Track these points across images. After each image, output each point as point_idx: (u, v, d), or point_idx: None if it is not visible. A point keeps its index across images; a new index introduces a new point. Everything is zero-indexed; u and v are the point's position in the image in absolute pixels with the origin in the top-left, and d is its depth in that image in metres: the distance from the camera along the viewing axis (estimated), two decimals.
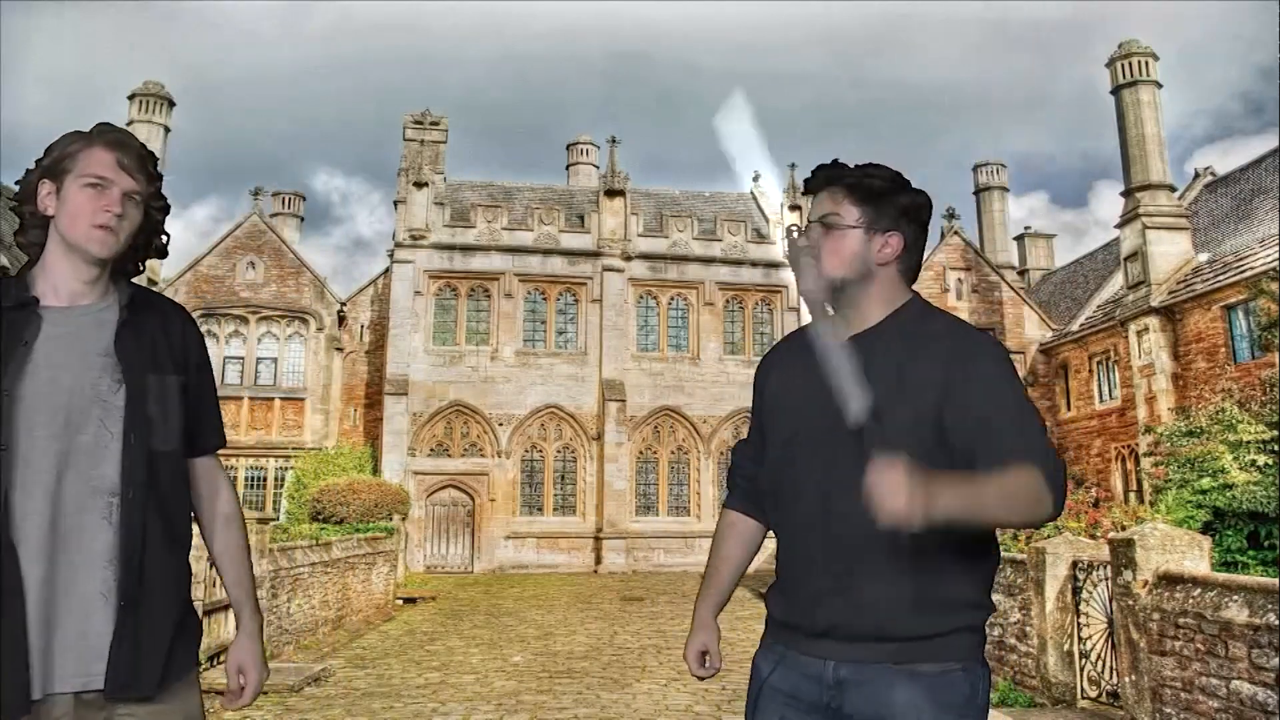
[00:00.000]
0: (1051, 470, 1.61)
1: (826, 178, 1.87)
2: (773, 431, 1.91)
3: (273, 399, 27.20)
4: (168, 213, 1.95)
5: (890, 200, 1.83)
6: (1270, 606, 4.85)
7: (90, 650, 1.70)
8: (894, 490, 1.47)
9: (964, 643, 1.72)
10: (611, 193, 27.58)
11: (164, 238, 1.97)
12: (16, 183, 1.87)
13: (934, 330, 1.78)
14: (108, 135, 1.85)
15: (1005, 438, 1.63)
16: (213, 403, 2.00)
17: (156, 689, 1.75)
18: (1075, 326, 27.14)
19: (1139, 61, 23.39)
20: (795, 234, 1.86)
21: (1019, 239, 38.76)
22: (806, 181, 1.92)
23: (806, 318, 26.91)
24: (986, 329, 27.58)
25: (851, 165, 1.89)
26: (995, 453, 1.61)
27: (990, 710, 7.62)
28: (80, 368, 1.76)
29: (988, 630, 7.98)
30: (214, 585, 8.99)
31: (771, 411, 1.92)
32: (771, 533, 1.97)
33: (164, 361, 1.86)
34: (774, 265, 27.85)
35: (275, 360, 27.50)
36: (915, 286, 1.94)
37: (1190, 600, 5.57)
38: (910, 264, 1.87)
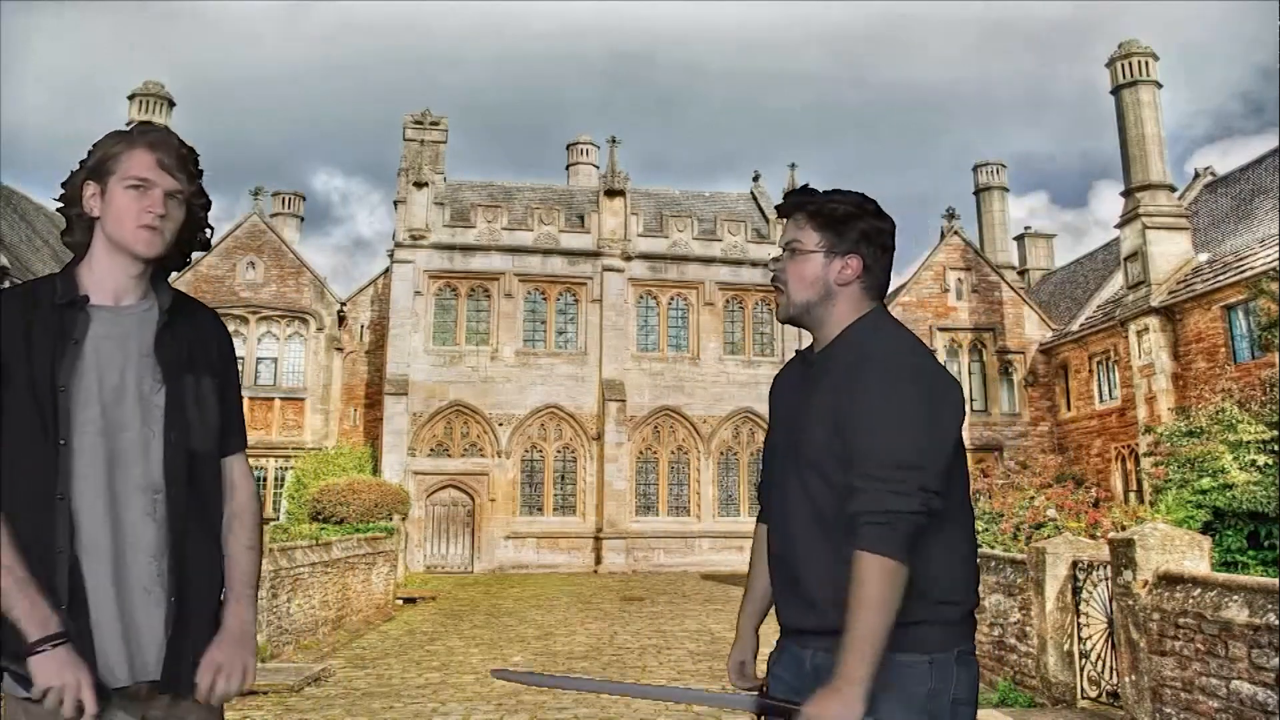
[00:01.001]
0: (883, 556, 1.65)
1: (793, 204, 1.97)
2: (767, 446, 2.07)
3: (273, 399, 27.21)
4: (209, 209, 2.00)
5: (850, 224, 1.91)
6: (1270, 606, 4.85)
7: (136, 644, 1.75)
8: None
9: (929, 635, 1.74)
10: (611, 193, 27.59)
11: (208, 232, 2.02)
12: (63, 184, 1.89)
13: (850, 347, 1.88)
14: (149, 136, 1.88)
15: (854, 461, 1.73)
16: (238, 404, 2.02)
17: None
18: (1075, 326, 27.14)
19: (1139, 61, 23.39)
20: (772, 261, 2.01)
21: (1019, 239, 38.76)
22: (778, 208, 2.04)
23: None
24: (986, 329, 27.72)
25: (820, 191, 1.97)
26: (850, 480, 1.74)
27: (990, 710, 7.61)
28: (125, 367, 1.81)
29: (988, 630, 7.93)
30: None
31: (770, 428, 2.08)
32: None
33: (200, 364, 1.90)
34: None
35: (275, 360, 27.51)
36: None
37: (1190, 600, 5.57)
38: (873, 283, 1.94)
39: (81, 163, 1.88)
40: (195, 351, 1.90)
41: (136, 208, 1.83)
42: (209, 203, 1.99)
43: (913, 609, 1.71)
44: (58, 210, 1.92)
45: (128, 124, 1.98)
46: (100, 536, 1.73)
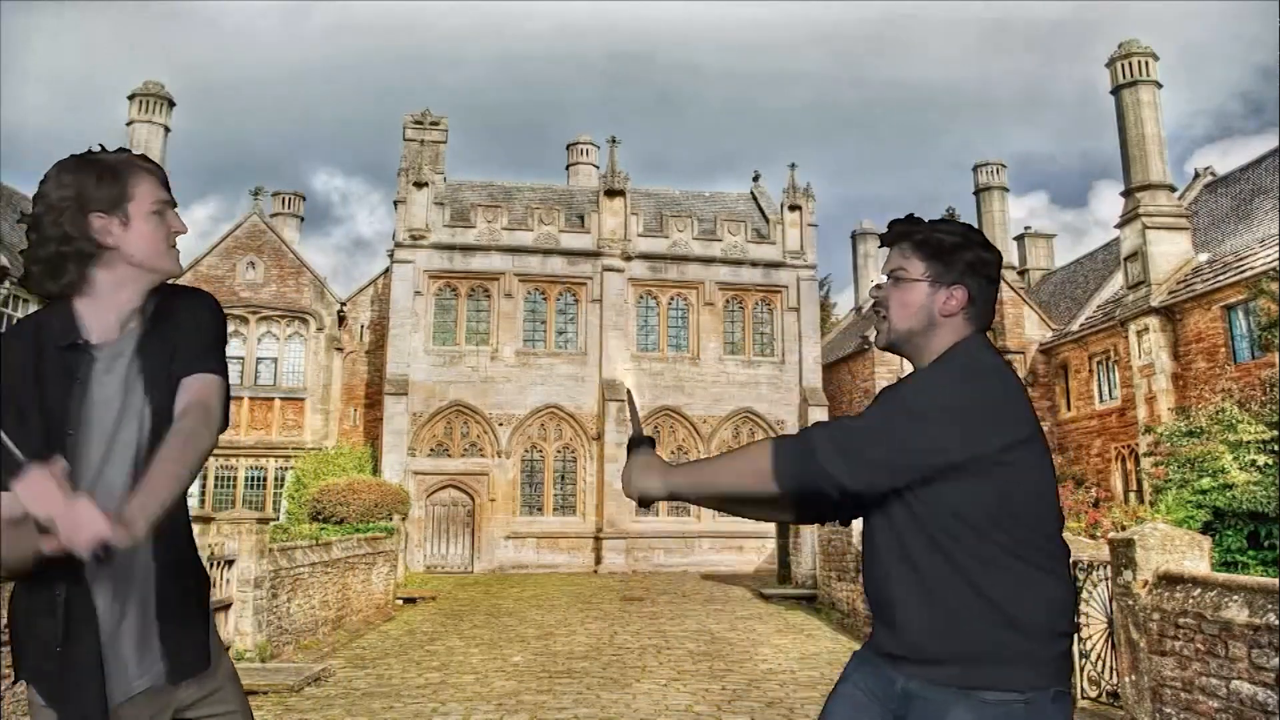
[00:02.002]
0: (781, 442, 1.77)
1: (898, 233, 1.96)
2: None
3: (273, 399, 27.20)
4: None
5: (956, 255, 1.90)
6: (1270, 606, 4.85)
7: (145, 648, 1.78)
8: (625, 477, 1.88)
9: (1023, 674, 1.70)
10: (611, 193, 27.58)
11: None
12: (34, 230, 1.78)
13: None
14: (144, 162, 1.89)
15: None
16: (194, 338, 1.90)
17: (208, 660, 1.88)
18: (1075, 326, 27.13)
19: (1139, 61, 23.38)
20: (874, 289, 1.99)
21: (1019, 239, 38.76)
22: (882, 237, 2.01)
23: (807, 317, 26.67)
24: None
25: (925, 220, 1.97)
26: None
27: None
28: (123, 394, 1.81)
29: None
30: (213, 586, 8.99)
31: None
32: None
33: (173, 354, 1.88)
34: (774, 265, 27.87)
35: (275, 360, 27.51)
36: None
37: (1190, 600, 5.57)
38: (977, 315, 1.94)
39: (67, 201, 1.77)
40: (176, 343, 1.88)
41: (165, 230, 1.86)
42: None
43: (1005, 645, 1.69)
44: (45, 258, 1.79)
45: (89, 151, 1.95)
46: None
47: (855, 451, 1.72)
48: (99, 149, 1.87)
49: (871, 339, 27.29)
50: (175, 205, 1.91)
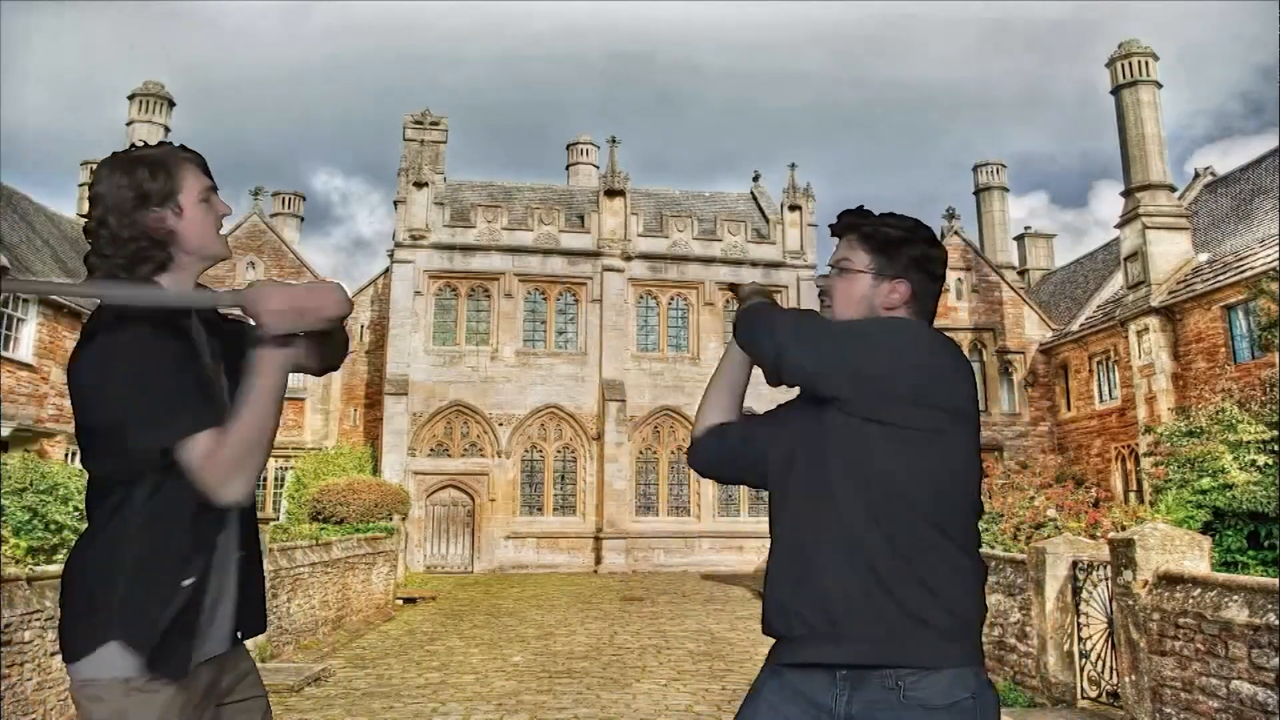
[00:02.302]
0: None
1: (846, 225, 1.97)
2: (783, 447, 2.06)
3: None
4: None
5: (901, 249, 1.90)
6: (1270, 606, 4.85)
7: (226, 612, 1.86)
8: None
9: (970, 652, 1.71)
10: (611, 193, 27.58)
11: None
12: (101, 229, 1.82)
13: None
14: (186, 152, 1.95)
15: None
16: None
17: (265, 623, 2.01)
18: (1075, 326, 27.14)
19: (1139, 61, 23.38)
20: (819, 278, 2.03)
21: (1019, 239, 38.76)
22: (831, 226, 2.02)
23: None
24: (986, 329, 27.71)
25: (875, 214, 1.98)
26: None
27: None
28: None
29: (988, 630, 7.95)
30: None
31: (782, 437, 2.05)
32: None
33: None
34: (774, 265, 27.87)
35: None
36: None
37: (1190, 600, 5.58)
38: (919, 310, 1.93)
39: (122, 203, 1.82)
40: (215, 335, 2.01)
41: (214, 215, 1.94)
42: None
43: (943, 625, 1.67)
44: (110, 255, 1.84)
45: (132, 146, 1.99)
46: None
47: (813, 338, 1.82)
48: (142, 145, 1.92)
49: None
50: (217, 189, 1.97)
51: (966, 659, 1.68)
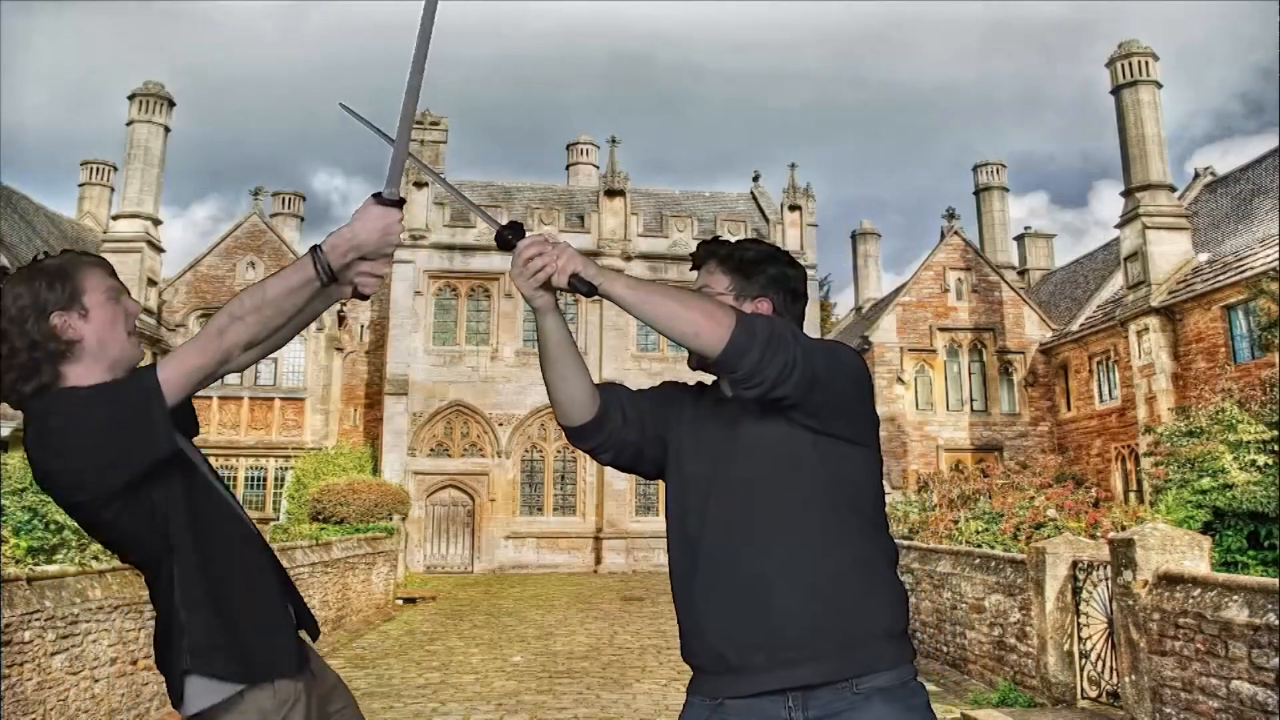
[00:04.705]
0: (748, 322, 1.71)
1: (704, 254, 2.02)
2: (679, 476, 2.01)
3: (272, 399, 27.20)
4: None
5: (759, 269, 1.96)
6: (1270, 606, 4.85)
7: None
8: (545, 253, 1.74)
9: (907, 651, 1.79)
10: (611, 193, 27.58)
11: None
12: (1, 343, 1.79)
13: None
14: (87, 257, 1.96)
15: None
16: None
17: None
18: (1075, 326, 27.13)
19: (1139, 61, 23.37)
20: None
21: (1019, 239, 38.73)
22: (692, 257, 2.06)
23: (807, 317, 27.34)
24: (986, 329, 27.71)
25: (731, 240, 2.06)
26: None
27: (990, 710, 7.60)
28: None
29: (988, 630, 7.94)
30: None
31: (677, 460, 1.98)
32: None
33: None
34: None
35: (275, 360, 27.47)
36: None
37: (1190, 600, 5.58)
38: None
39: (21, 314, 1.80)
40: None
41: (123, 313, 1.91)
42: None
43: (893, 625, 1.77)
44: (7, 366, 1.81)
45: (34, 259, 1.97)
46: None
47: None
48: (43, 256, 1.92)
49: (872, 339, 27.31)
50: (126, 291, 1.95)
51: (905, 656, 1.76)
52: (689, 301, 1.74)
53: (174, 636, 1.81)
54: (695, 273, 2.04)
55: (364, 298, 1.92)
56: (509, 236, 1.80)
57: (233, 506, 2.02)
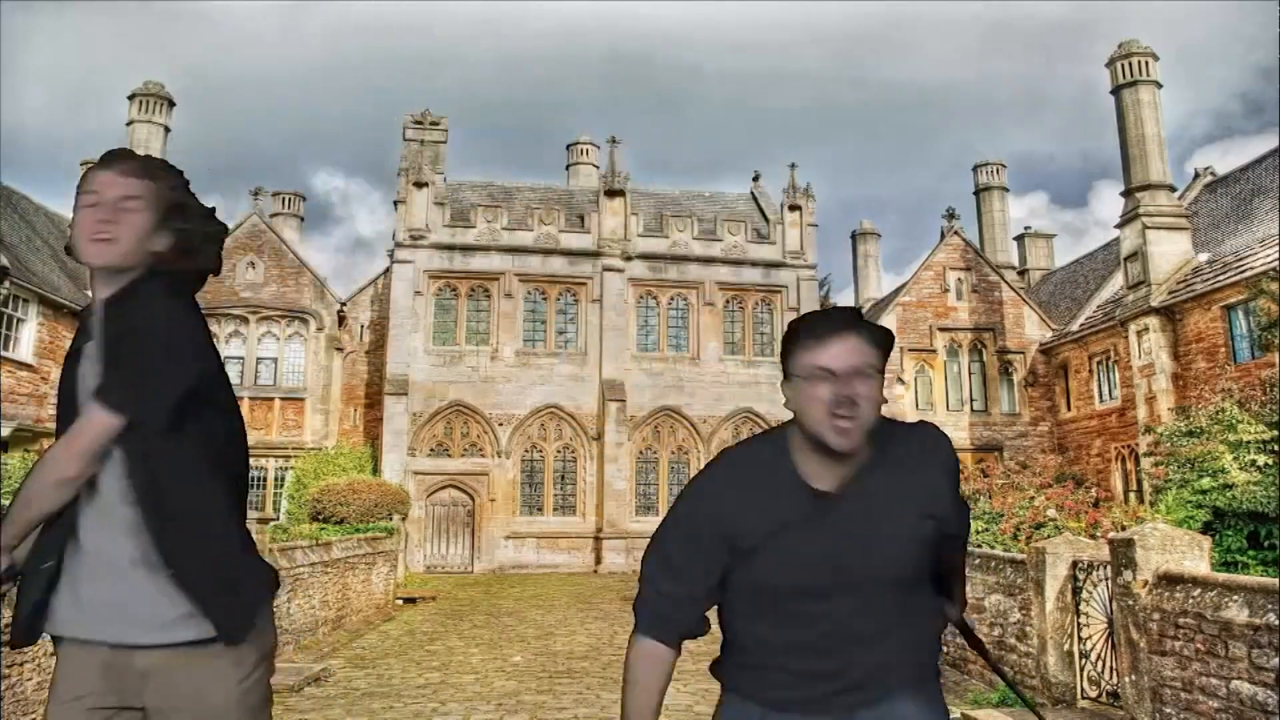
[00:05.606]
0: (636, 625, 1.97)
1: (853, 321, 1.87)
2: (765, 582, 1.87)
3: (273, 399, 27.20)
4: (193, 212, 2.07)
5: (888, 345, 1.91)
6: (1270, 606, 4.85)
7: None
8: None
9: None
10: (611, 193, 27.58)
11: (196, 236, 2.07)
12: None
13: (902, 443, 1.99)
14: (107, 155, 2.00)
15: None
16: (120, 362, 1.87)
17: None
18: (1075, 326, 27.13)
19: (1139, 61, 23.38)
20: (848, 384, 1.85)
21: (1019, 239, 38.75)
22: (831, 315, 1.90)
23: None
24: (986, 329, 27.73)
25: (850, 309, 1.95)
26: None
27: (990, 710, 7.59)
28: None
29: (988, 630, 7.93)
30: None
31: (756, 563, 1.87)
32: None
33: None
34: (774, 265, 27.87)
35: (275, 360, 27.51)
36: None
37: (1190, 600, 5.58)
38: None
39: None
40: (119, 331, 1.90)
41: (88, 222, 1.91)
42: (191, 206, 2.05)
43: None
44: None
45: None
46: None
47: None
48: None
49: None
50: (138, 195, 1.94)
51: None
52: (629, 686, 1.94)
53: None
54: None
55: None
56: None
57: None
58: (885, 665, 1.87)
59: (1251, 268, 19.22)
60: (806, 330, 1.83)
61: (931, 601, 1.97)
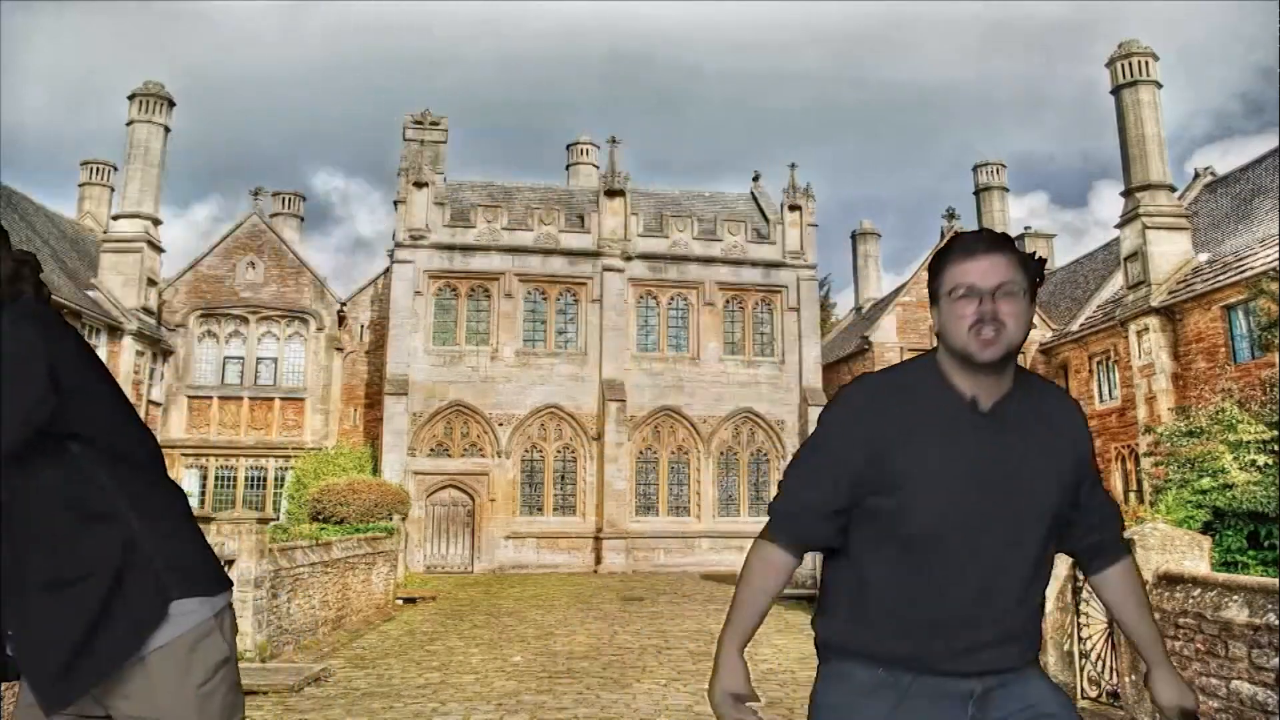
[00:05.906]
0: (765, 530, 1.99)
1: (1002, 242, 1.86)
2: (909, 506, 1.81)
3: (273, 399, 27.21)
4: None
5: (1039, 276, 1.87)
6: (1270, 606, 4.85)
7: None
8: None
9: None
10: (611, 193, 27.58)
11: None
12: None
13: (1039, 395, 1.96)
14: None
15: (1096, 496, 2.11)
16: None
17: None
18: (1075, 326, 27.12)
19: (1139, 61, 23.37)
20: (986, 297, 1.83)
21: (1019, 239, 38.50)
22: (980, 237, 1.89)
23: (807, 317, 26.24)
24: None
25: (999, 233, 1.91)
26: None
27: None
28: None
29: None
30: None
31: (903, 486, 1.81)
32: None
33: None
34: (774, 265, 27.87)
35: (275, 360, 27.52)
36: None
37: (1190, 600, 5.58)
38: None
39: None
40: None
41: None
42: None
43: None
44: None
45: None
46: None
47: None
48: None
49: (872, 339, 27.29)
50: None
51: None
52: (747, 584, 2.04)
53: None
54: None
55: None
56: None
57: None
58: (1017, 628, 1.85)
59: (1251, 268, 19.21)
60: (958, 245, 1.84)
61: (1047, 580, 1.97)
